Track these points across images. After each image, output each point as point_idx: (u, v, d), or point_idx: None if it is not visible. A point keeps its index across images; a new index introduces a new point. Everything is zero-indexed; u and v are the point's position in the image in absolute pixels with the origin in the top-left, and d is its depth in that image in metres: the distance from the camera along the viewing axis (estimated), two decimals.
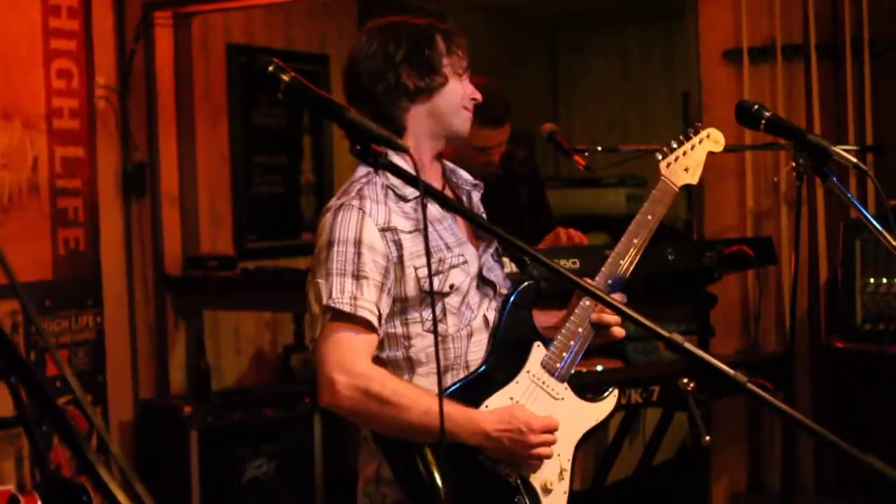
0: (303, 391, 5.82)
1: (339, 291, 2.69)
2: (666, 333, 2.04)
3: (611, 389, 2.94)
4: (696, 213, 5.88)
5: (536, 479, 2.80)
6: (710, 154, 3.10)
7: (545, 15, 8.88)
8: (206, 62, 6.18)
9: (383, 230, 2.72)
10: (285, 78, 2.29)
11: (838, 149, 2.96)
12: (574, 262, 4.27)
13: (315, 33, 6.90)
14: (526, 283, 2.93)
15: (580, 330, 2.87)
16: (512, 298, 2.90)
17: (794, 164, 3.04)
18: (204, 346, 5.87)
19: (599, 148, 4.85)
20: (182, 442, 5.43)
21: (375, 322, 2.70)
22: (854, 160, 2.96)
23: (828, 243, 5.36)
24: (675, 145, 3.05)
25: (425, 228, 2.65)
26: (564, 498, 2.83)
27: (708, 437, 2.81)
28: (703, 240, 5.40)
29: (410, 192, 2.78)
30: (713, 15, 5.65)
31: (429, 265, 2.58)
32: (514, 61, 8.32)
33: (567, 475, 2.84)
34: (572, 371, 2.89)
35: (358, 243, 2.70)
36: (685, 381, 2.86)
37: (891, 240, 2.80)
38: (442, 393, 2.59)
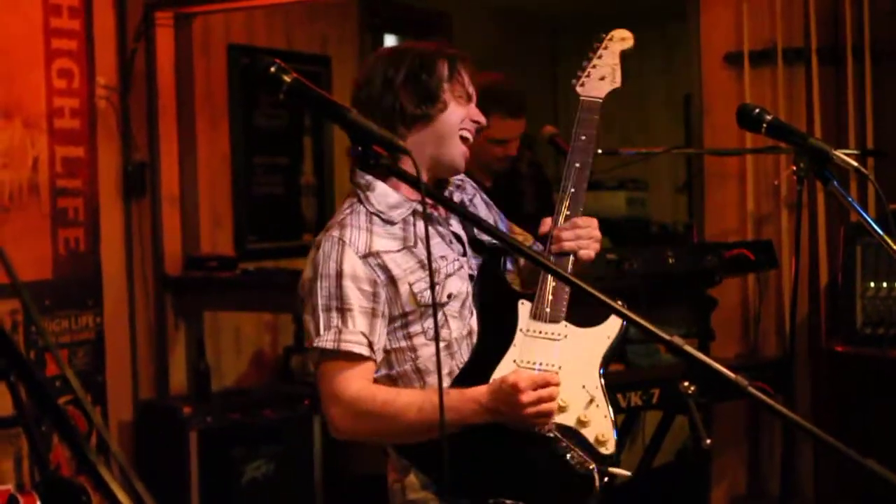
0: (303, 392, 5.82)
1: (325, 328, 2.75)
2: (666, 336, 2.04)
3: (609, 314, 2.87)
4: (696, 217, 5.89)
5: (569, 418, 2.77)
6: (623, 53, 3.15)
7: (546, 17, 8.89)
8: (207, 63, 6.18)
9: (365, 256, 2.76)
10: (287, 79, 2.30)
11: (839, 152, 2.95)
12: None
13: (316, 34, 6.90)
14: (487, 257, 2.94)
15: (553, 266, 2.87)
16: (479, 275, 2.91)
17: (794, 168, 3.04)
18: (204, 347, 5.87)
19: (600, 151, 4.85)
20: (181, 442, 5.43)
21: (364, 351, 2.75)
22: (855, 164, 2.95)
23: (828, 247, 5.36)
24: (584, 63, 3.10)
25: (427, 232, 2.65)
26: (606, 422, 2.77)
27: (708, 441, 2.80)
28: (703, 243, 5.40)
29: (396, 215, 2.83)
30: (714, 18, 5.65)
31: (430, 270, 2.60)
32: (515, 64, 8.31)
33: (601, 401, 2.78)
34: (565, 306, 2.84)
35: (339, 276, 2.75)
36: (685, 384, 2.85)
37: (891, 244, 2.79)
38: (442, 390, 2.59)
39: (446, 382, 2.74)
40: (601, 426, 2.77)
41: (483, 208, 3.10)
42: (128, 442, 5.71)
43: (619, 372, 4.51)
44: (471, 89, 2.93)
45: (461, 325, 2.82)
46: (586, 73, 3.09)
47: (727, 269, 4.56)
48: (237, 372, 6.32)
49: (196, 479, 5.42)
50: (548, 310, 2.84)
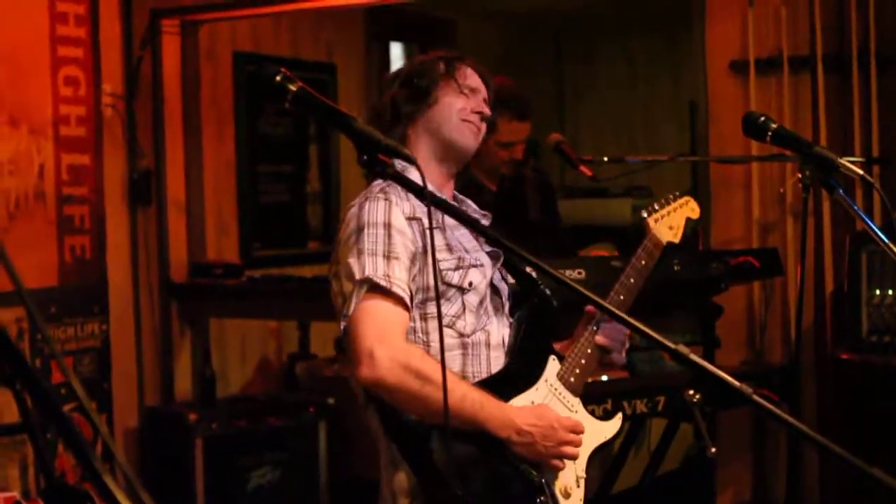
0: (308, 400, 5.82)
1: (374, 268, 2.72)
2: (671, 345, 2.04)
3: (616, 413, 3.09)
4: (702, 224, 5.88)
5: (556, 483, 2.85)
6: (688, 219, 3.34)
7: (551, 24, 8.88)
8: (213, 70, 6.19)
9: (410, 219, 2.78)
10: (293, 87, 2.30)
11: (844, 160, 2.95)
12: (580, 273, 4.27)
13: (322, 42, 6.91)
14: (542, 299, 3.00)
15: (589, 350, 2.96)
16: (530, 311, 2.97)
17: (800, 176, 3.04)
18: (209, 354, 5.87)
19: (606, 158, 4.85)
20: (187, 449, 5.43)
21: (408, 301, 2.75)
22: (860, 172, 2.96)
23: (834, 255, 5.36)
24: (656, 206, 3.26)
25: (431, 234, 2.66)
26: None
27: (713, 449, 2.82)
28: (709, 250, 5.40)
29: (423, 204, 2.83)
30: (720, 26, 5.66)
31: (434, 268, 2.60)
32: (520, 71, 8.31)
33: (583, 483, 2.90)
34: (583, 386, 2.96)
35: (388, 226, 2.75)
36: (691, 392, 2.87)
37: None
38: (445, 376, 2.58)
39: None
40: None
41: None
42: (133, 449, 5.71)
43: (624, 379, 4.51)
44: (473, 83, 2.99)
45: (476, 323, 2.84)
46: (661, 216, 3.25)
47: (733, 276, 4.56)
48: (243, 379, 6.32)
49: (201, 486, 5.42)
50: (572, 380, 2.93)
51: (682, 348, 2.01)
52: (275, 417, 5.73)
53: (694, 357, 2.01)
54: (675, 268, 4.43)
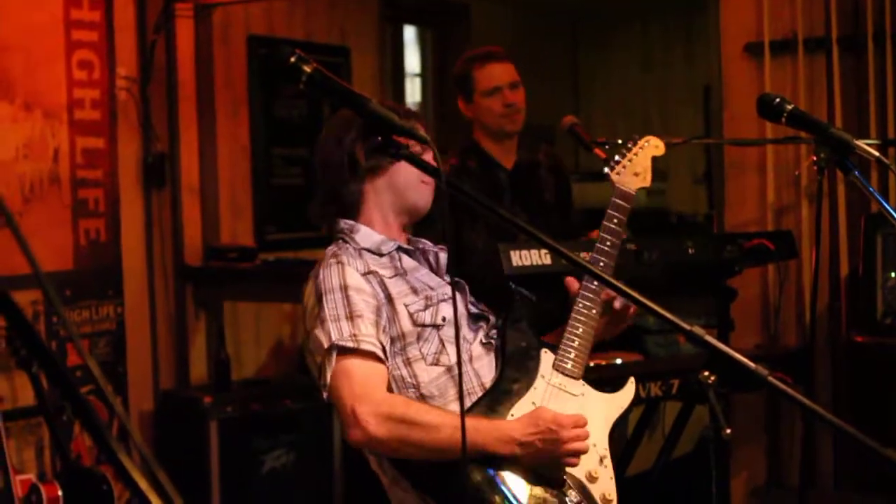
0: None
1: (339, 333, 2.76)
2: (687, 326, 2.04)
3: (627, 380, 3.02)
4: (716, 207, 5.87)
5: (580, 471, 2.84)
6: (654, 159, 3.29)
7: (566, 7, 8.87)
8: (227, 54, 6.19)
9: (365, 274, 2.84)
10: (307, 69, 2.29)
11: (860, 142, 2.94)
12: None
13: (335, 25, 6.90)
14: (518, 299, 3.01)
15: (580, 328, 2.93)
16: (508, 315, 2.98)
17: (815, 158, 3.04)
18: (224, 337, 5.88)
19: (620, 141, 4.83)
20: (202, 432, 5.44)
21: (381, 353, 2.77)
22: (876, 154, 2.94)
23: (849, 237, 5.34)
24: (617, 157, 3.23)
25: (444, 229, 2.66)
26: (612, 483, 2.89)
27: (728, 431, 2.81)
28: (723, 233, 5.39)
29: (385, 248, 2.93)
30: (734, 8, 5.64)
31: (450, 253, 2.60)
32: (535, 55, 8.30)
33: (608, 461, 2.89)
34: (585, 367, 2.95)
35: (344, 288, 2.80)
36: (705, 374, 2.87)
37: None
38: (463, 410, 2.59)
39: (455, 407, 2.76)
40: (607, 486, 2.88)
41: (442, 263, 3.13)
42: (148, 432, 5.73)
43: (638, 362, 4.51)
44: (423, 133, 2.96)
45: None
46: (622, 165, 3.20)
47: (747, 259, 4.54)
48: (257, 362, 6.34)
49: (216, 469, 5.44)
50: (569, 365, 2.91)
51: (698, 329, 2.01)
52: (289, 400, 5.74)
53: (710, 339, 2.01)
54: (690, 251, 4.42)
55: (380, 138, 2.24)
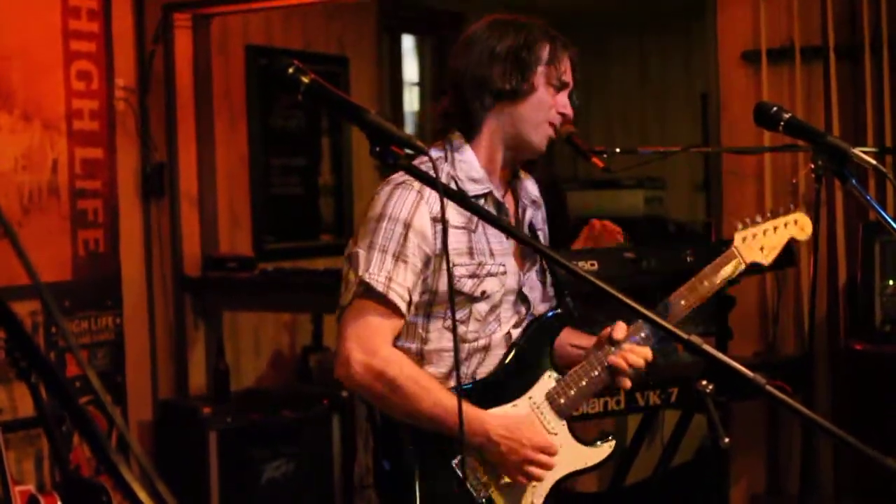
0: (321, 392, 5.83)
1: (378, 268, 2.68)
2: (685, 335, 2.04)
3: (609, 438, 2.90)
4: (714, 215, 5.88)
5: (520, 492, 2.78)
6: (793, 239, 3.05)
7: (563, 18, 8.87)
8: (225, 64, 6.20)
9: (435, 220, 2.70)
10: (305, 79, 2.29)
11: (857, 150, 2.94)
12: (592, 265, 4.27)
13: (333, 35, 6.91)
14: (555, 312, 2.91)
15: (594, 373, 2.83)
16: (538, 323, 2.88)
17: (812, 166, 3.03)
18: (223, 347, 5.89)
19: (618, 150, 4.84)
20: (201, 443, 5.44)
21: (404, 308, 2.70)
22: (873, 162, 2.94)
23: (847, 245, 5.35)
24: (758, 219, 3.00)
25: (444, 232, 2.63)
26: None
27: (727, 440, 2.80)
28: (721, 241, 5.39)
29: (472, 188, 2.78)
30: (732, 16, 5.65)
31: (449, 273, 2.59)
32: None
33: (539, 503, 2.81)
34: (575, 409, 2.86)
35: (408, 225, 2.69)
36: (704, 382, 2.85)
37: None
38: (460, 390, 2.57)
39: (445, 385, 2.73)
40: None
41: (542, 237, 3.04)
42: (147, 442, 5.73)
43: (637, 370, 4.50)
44: (567, 77, 2.88)
45: (480, 330, 2.79)
46: (752, 233, 2.99)
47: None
48: (256, 372, 6.34)
49: (216, 479, 5.44)
50: (562, 401, 2.83)
51: (696, 339, 2.01)
52: (288, 410, 5.74)
53: (707, 347, 2.01)
54: (688, 258, 4.42)
55: (377, 148, 2.24)
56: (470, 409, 2.68)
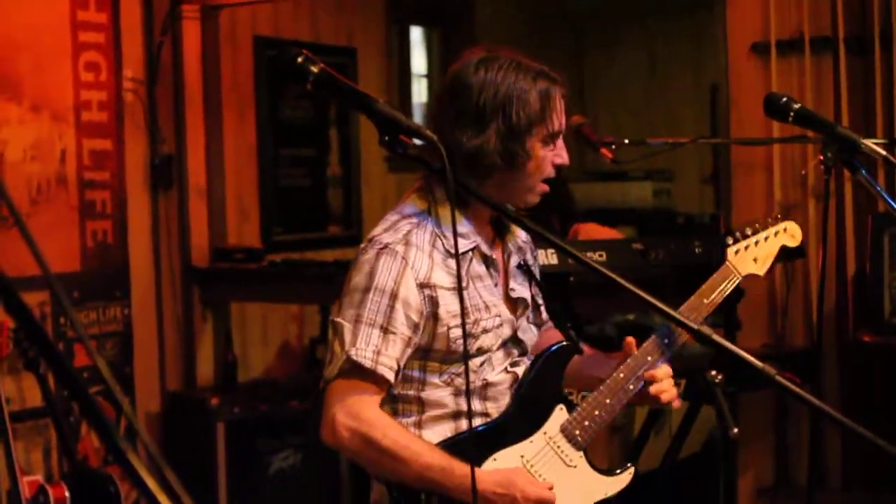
0: None
1: (365, 342, 2.63)
2: (694, 326, 2.04)
3: (628, 466, 2.87)
4: (723, 206, 5.87)
5: None
6: (783, 246, 3.03)
7: (571, 8, 8.86)
8: (234, 55, 6.20)
9: (421, 286, 2.64)
10: (314, 69, 2.29)
11: (867, 142, 2.93)
12: (601, 255, 4.27)
13: (342, 26, 6.91)
14: (561, 345, 2.86)
15: (608, 401, 2.78)
16: (543, 358, 2.83)
17: (822, 157, 3.01)
18: (231, 338, 5.89)
19: (627, 141, 4.84)
20: (209, 433, 5.45)
21: (392, 377, 2.66)
22: (883, 153, 2.94)
23: (856, 237, 5.34)
24: (748, 231, 2.99)
25: (454, 232, 2.56)
26: None
27: (735, 431, 2.79)
28: (730, 232, 5.38)
29: (462, 247, 2.68)
30: (741, 7, 5.63)
31: (464, 332, 2.57)
32: (540, 56, 8.30)
33: None
34: (592, 438, 2.80)
35: (394, 297, 2.62)
36: (712, 373, 2.84)
37: None
38: (472, 436, 2.56)
39: (449, 432, 2.71)
40: None
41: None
42: (155, 433, 5.73)
43: None
44: (561, 122, 2.76)
45: (475, 377, 2.73)
46: (745, 245, 2.98)
47: None
48: (264, 363, 6.34)
49: (223, 470, 5.45)
50: (577, 432, 2.78)
51: (706, 329, 2.01)
52: (296, 401, 5.75)
53: (718, 338, 2.01)
54: (697, 250, 4.42)
55: (386, 137, 2.23)
56: (460, 469, 2.61)
